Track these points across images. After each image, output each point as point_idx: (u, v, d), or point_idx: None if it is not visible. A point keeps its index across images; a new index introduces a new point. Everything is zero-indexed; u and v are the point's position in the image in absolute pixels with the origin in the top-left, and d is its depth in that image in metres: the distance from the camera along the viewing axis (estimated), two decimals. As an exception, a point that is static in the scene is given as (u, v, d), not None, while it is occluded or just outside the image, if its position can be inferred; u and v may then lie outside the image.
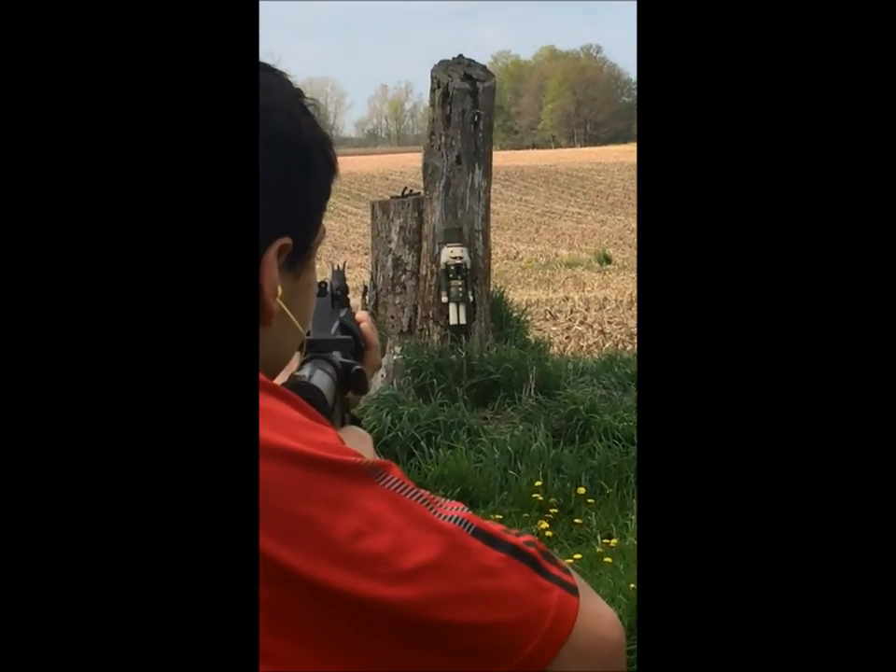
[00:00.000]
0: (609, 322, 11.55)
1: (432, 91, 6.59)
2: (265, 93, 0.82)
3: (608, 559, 4.08)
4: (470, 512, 0.77)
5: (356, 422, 1.10)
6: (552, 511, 4.75)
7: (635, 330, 10.95)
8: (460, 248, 6.42)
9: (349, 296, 1.18)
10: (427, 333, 6.44)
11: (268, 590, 0.70)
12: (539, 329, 9.60)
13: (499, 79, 6.84)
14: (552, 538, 4.44)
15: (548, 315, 11.88)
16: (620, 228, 26.44)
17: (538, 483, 4.96)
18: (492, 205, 6.84)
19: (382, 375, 5.85)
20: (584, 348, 9.78)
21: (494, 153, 6.89)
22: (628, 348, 9.05)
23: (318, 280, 1.07)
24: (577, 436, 5.52)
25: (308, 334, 1.02)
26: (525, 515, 4.74)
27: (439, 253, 6.44)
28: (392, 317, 6.49)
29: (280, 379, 1.01)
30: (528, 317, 7.89)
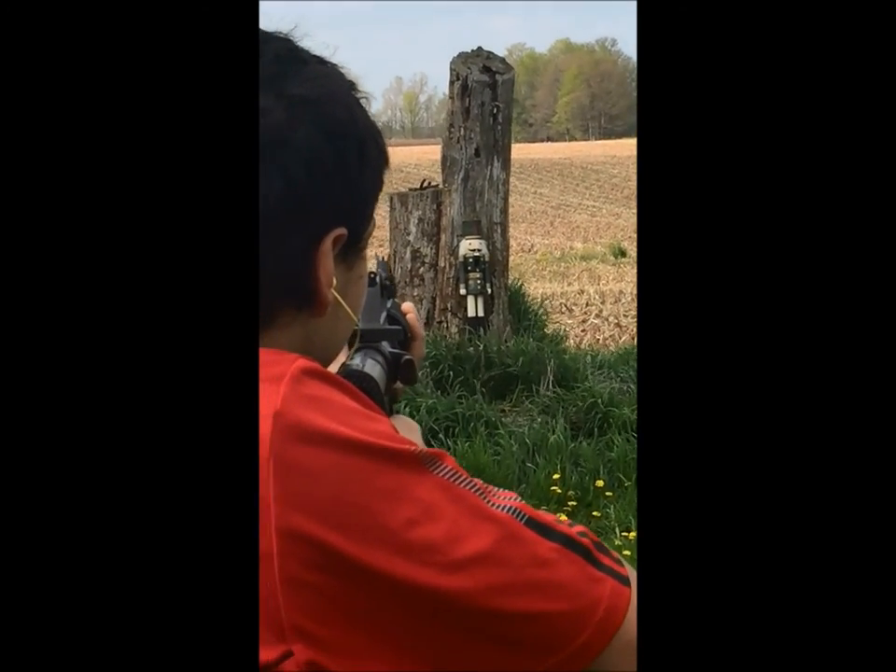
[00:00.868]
0: (624, 315, 11.52)
1: (451, 83, 6.57)
2: (320, 84, 0.83)
3: (626, 552, 4.07)
4: (523, 502, 0.77)
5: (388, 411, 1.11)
6: (570, 503, 4.75)
7: (651, 324, 10.92)
8: (478, 241, 6.41)
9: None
10: (445, 326, 6.44)
11: (319, 576, 0.70)
12: (555, 322, 9.58)
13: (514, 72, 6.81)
14: (570, 530, 4.43)
15: (563, 309, 11.86)
16: (635, 221, 26.29)
17: (556, 476, 4.96)
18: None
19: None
20: (600, 341, 9.76)
21: (510, 146, 6.88)
22: (645, 342, 9.02)
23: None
24: (595, 429, 5.51)
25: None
26: (543, 508, 4.72)
27: (457, 245, 6.44)
28: (410, 309, 6.48)
29: (332, 369, 1.01)
30: (544, 311, 7.87)
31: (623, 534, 4.44)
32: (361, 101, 0.87)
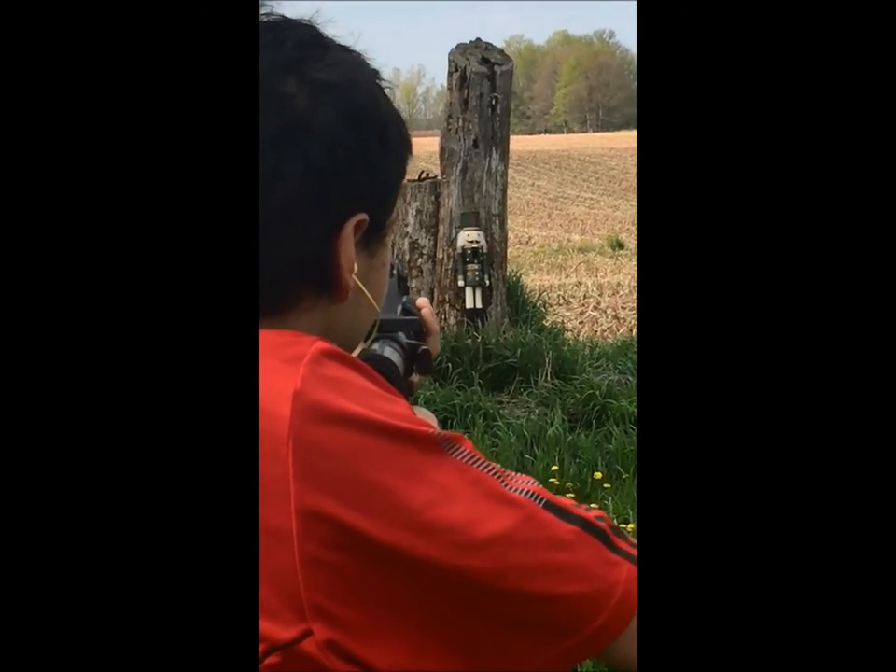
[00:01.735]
0: (622, 307, 11.52)
1: (449, 74, 6.57)
2: (343, 70, 0.82)
3: (625, 544, 4.07)
4: (541, 486, 0.77)
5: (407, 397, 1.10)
6: (568, 495, 4.75)
7: (649, 316, 10.93)
8: (477, 232, 6.41)
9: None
10: (443, 317, 6.43)
11: (339, 555, 0.70)
12: (553, 315, 9.58)
13: (513, 64, 6.82)
14: (568, 522, 4.44)
15: (561, 301, 11.86)
16: (632, 213, 26.37)
17: (554, 468, 4.96)
18: (508, 190, 6.82)
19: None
20: (598, 333, 9.76)
21: (509, 137, 6.87)
22: (643, 334, 9.02)
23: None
24: (593, 421, 5.51)
25: None
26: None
27: (455, 237, 6.44)
28: (408, 301, 6.48)
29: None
30: (542, 302, 7.87)
31: (622, 525, 4.44)
32: (385, 89, 0.86)
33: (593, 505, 4.64)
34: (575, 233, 22.92)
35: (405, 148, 0.87)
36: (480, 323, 6.37)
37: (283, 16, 0.83)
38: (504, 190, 6.63)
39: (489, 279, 6.44)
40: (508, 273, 6.96)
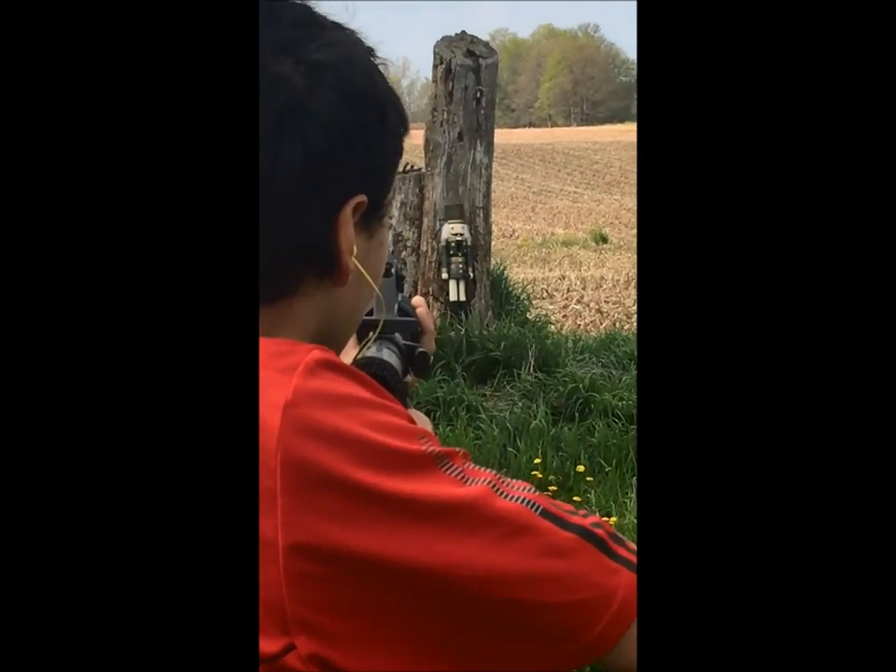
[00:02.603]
0: (606, 301, 11.55)
1: (435, 66, 6.55)
2: (340, 49, 0.81)
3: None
4: (538, 493, 0.76)
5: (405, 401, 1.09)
6: (551, 488, 4.75)
7: (632, 310, 10.97)
8: (461, 225, 6.40)
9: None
10: (426, 310, 6.42)
11: (325, 568, 0.69)
12: (537, 308, 9.58)
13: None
14: (551, 515, 4.44)
15: (545, 294, 11.87)
16: (616, 207, 26.43)
17: (537, 461, 4.96)
18: (492, 183, 6.81)
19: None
20: (582, 327, 9.78)
21: (493, 130, 6.87)
22: (626, 327, 9.05)
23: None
24: (576, 414, 5.52)
25: (371, 313, 1.01)
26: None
27: (439, 229, 6.43)
28: (392, 293, 6.47)
29: (350, 345, 1.00)
30: (525, 296, 7.87)
31: (605, 518, 4.45)
32: (381, 67, 0.85)
33: (576, 497, 4.63)
34: (559, 227, 22.94)
35: (402, 126, 0.86)
36: (464, 316, 6.36)
37: None
38: (488, 183, 6.62)
39: (473, 272, 6.44)
40: (492, 266, 6.95)
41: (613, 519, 4.45)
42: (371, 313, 1.02)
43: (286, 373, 0.72)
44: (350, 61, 0.82)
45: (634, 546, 0.77)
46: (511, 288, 7.45)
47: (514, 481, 0.76)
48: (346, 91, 0.80)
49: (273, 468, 0.69)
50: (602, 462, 5.04)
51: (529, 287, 9.77)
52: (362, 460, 0.70)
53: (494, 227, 7.52)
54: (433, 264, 6.46)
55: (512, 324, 6.50)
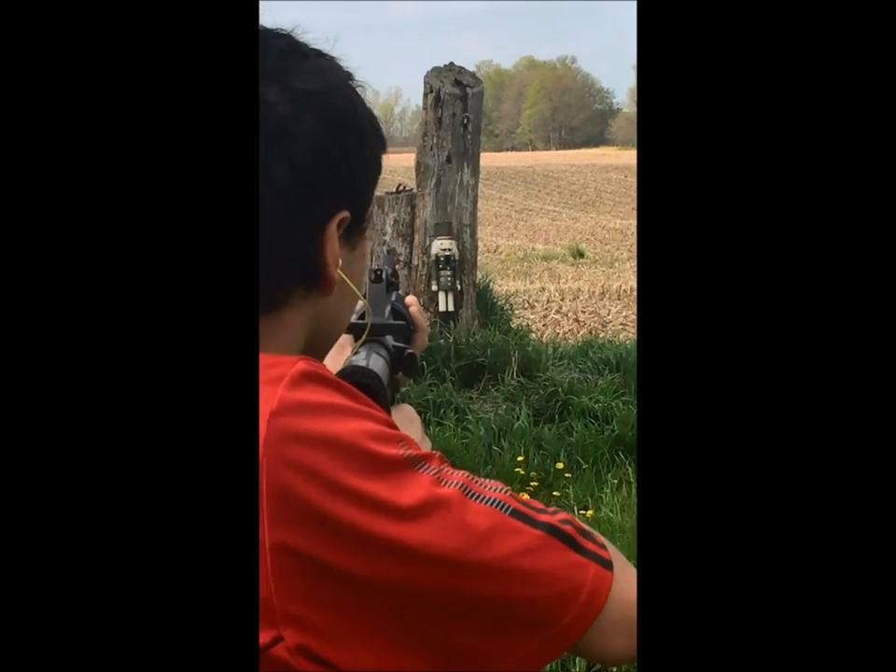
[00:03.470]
0: (582, 311, 11.56)
1: (425, 95, 6.55)
2: (321, 77, 0.81)
3: (585, 529, 4.06)
4: (508, 493, 0.75)
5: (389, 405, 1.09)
6: (532, 484, 4.74)
7: (607, 319, 10.99)
8: (449, 241, 6.40)
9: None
10: (417, 319, 6.41)
11: (308, 568, 0.69)
12: (519, 317, 9.58)
13: (484, 86, 6.82)
14: (533, 508, 4.43)
15: (526, 305, 11.86)
16: (592, 225, 26.46)
17: (520, 458, 4.95)
18: (478, 202, 6.81)
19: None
20: (560, 335, 9.77)
21: (478, 154, 6.86)
22: (601, 335, 9.05)
23: (373, 267, 1.05)
24: (556, 415, 5.51)
25: (363, 317, 1.01)
26: (508, 487, 4.72)
27: (429, 245, 6.43)
28: (385, 304, 6.46)
29: (332, 356, 1.00)
30: (509, 306, 7.87)
31: (581, 512, 4.44)
32: (358, 89, 0.85)
33: (555, 492, 4.61)
34: (539, 243, 22.94)
35: (380, 145, 0.87)
36: (452, 324, 6.35)
37: (263, 26, 0.82)
38: (475, 203, 6.62)
39: (460, 284, 6.44)
40: (477, 279, 6.95)
41: (590, 512, 4.44)
42: (363, 317, 1.02)
43: (272, 384, 0.72)
44: (331, 87, 0.82)
45: (602, 540, 0.77)
46: (495, 300, 7.44)
47: (486, 481, 0.76)
48: (328, 115, 0.80)
49: (261, 474, 0.68)
50: (580, 459, 5.04)
51: (512, 298, 9.77)
52: (343, 465, 0.70)
53: (479, 243, 7.51)
54: (424, 277, 6.46)
55: (497, 332, 6.50)
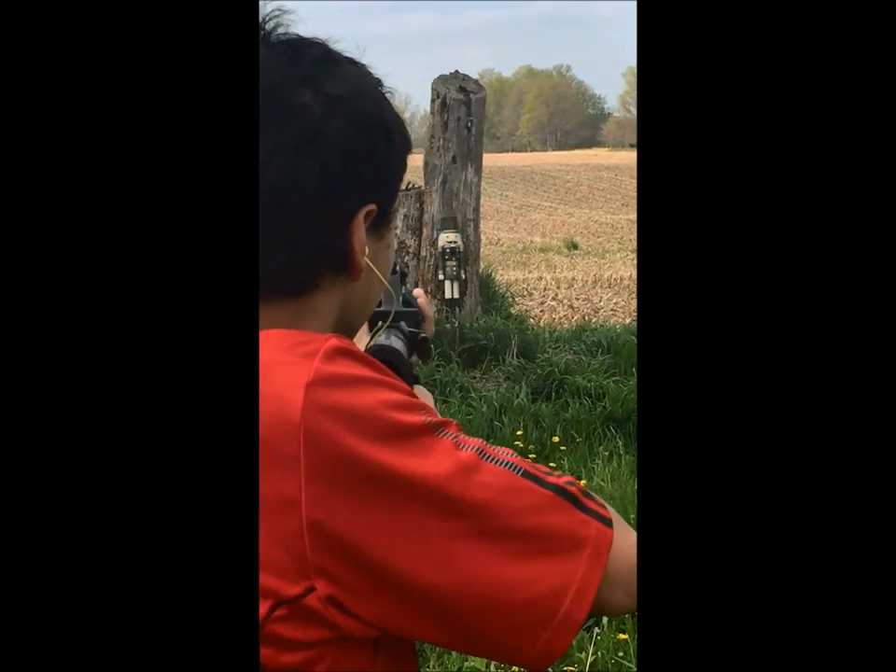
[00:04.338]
0: (576, 299, 11.53)
1: (432, 100, 6.52)
2: (351, 82, 0.82)
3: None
4: (519, 457, 0.76)
5: (417, 381, 1.10)
6: (531, 456, 4.75)
7: (599, 305, 10.94)
8: (455, 234, 6.39)
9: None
10: (426, 306, 6.41)
11: (337, 525, 0.69)
12: (519, 304, 9.55)
13: (486, 93, 6.79)
14: (531, 478, 4.43)
15: (525, 293, 11.83)
16: (585, 219, 26.34)
17: (519, 433, 4.96)
18: (481, 198, 6.79)
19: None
20: (556, 320, 9.74)
21: (481, 154, 6.84)
22: (593, 320, 9.02)
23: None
24: (552, 393, 5.51)
25: (380, 305, 1.02)
26: (508, 459, 4.72)
27: (436, 238, 6.41)
28: (396, 292, 6.45)
29: (363, 332, 1.02)
30: (509, 294, 7.85)
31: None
32: (387, 95, 0.86)
33: (552, 464, 4.62)
34: (537, 236, 22.86)
35: (406, 146, 0.87)
36: (457, 311, 6.35)
37: (298, 35, 0.83)
38: (478, 199, 6.60)
39: (465, 274, 6.43)
40: (480, 269, 6.94)
41: (583, 482, 4.44)
42: (380, 305, 1.02)
43: (307, 358, 0.73)
44: (360, 92, 0.83)
45: (602, 500, 0.78)
46: (496, 288, 7.43)
47: (499, 447, 0.77)
48: (357, 118, 0.81)
49: (297, 436, 0.69)
50: (574, 434, 5.04)
51: (512, 286, 9.75)
52: (370, 433, 0.71)
53: (482, 236, 7.50)
54: (431, 267, 6.44)
55: (498, 318, 6.49)
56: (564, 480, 0.76)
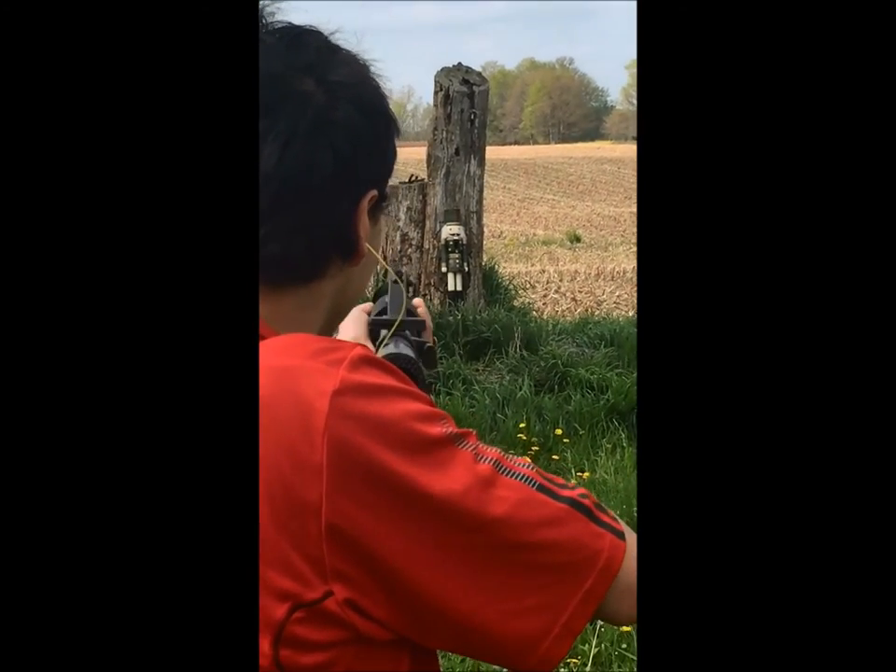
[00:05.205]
0: (579, 291, 11.53)
1: (435, 93, 6.51)
2: (354, 70, 0.83)
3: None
4: (535, 470, 0.76)
5: (430, 390, 1.09)
6: (533, 448, 4.75)
7: (601, 298, 10.95)
8: (458, 227, 6.38)
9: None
10: (429, 298, 6.40)
11: (357, 531, 0.70)
12: (522, 297, 9.55)
13: (489, 85, 6.78)
14: (534, 471, 4.43)
15: (528, 285, 11.83)
16: (588, 212, 26.34)
17: (522, 425, 4.95)
18: (484, 191, 6.78)
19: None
20: (559, 313, 9.75)
21: (484, 147, 6.82)
22: (596, 313, 9.03)
23: (397, 270, 1.05)
24: (555, 386, 5.51)
25: (384, 314, 1.04)
26: (511, 452, 4.71)
27: (439, 230, 6.41)
28: (399, 284, 6.45)
29: (347, 326, 1.02)
30: (512, 286, 7.84)
31: (578, 474, 4.44)
32: (378, 80, 0.87)
33: (553, 455, 4.61)
34: (539, 229, 22.87)
35: (398, 132, 0.89)
36: (460, 303, 6.35)
37: (297, 24, 0.83)
38: (481, 191, 6.59)
39: (468, 266, 6.42)
40: (483, 262, 6.93)
41: (586, 474, 4.44)
42: (383, 313, 1.02)
43: (333, 366, 0.73)
44: (363, 79, 0.84)
45: (613, 514, 0.79)
46: (499, 280, 7.42)
47: (516, 458, 0.77)
48: (361, 105, 0.82)
49: (320, 445, 0.70)
50: (577, 426, 5.04)
51: (515, 279, 9.74)
52: (395, 444, 0.71)
53: (485, 228, 7.49)
54: (434, 260, 6.44)
55: (501, 310, 6.49)
56: (578, 492, 0.77)
